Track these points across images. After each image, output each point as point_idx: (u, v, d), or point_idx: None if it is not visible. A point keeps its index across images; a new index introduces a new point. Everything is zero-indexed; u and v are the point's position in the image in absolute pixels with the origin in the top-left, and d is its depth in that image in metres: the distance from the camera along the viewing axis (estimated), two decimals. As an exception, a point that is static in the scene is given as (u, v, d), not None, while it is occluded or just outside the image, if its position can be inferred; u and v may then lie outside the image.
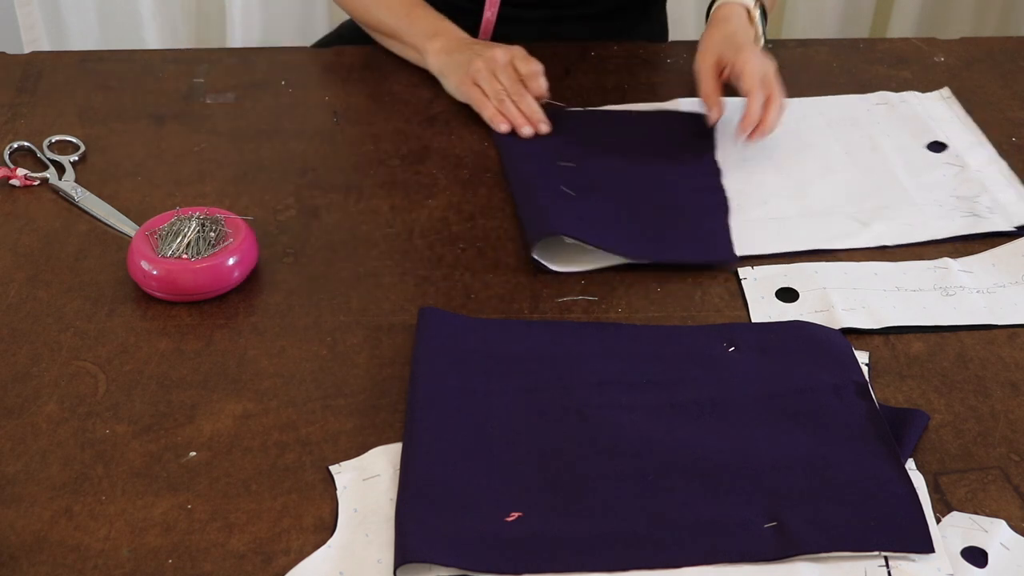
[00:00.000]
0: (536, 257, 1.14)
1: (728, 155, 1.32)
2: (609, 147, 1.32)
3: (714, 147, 1.33)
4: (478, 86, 1.35)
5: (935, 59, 1.52)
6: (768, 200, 1.25)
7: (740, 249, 1.17)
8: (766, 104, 1.27)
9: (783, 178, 1.28)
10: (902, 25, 2.53)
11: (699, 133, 1.34)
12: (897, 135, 1.36)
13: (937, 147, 1.34)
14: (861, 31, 2.58)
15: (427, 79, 1.46)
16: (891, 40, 1.59)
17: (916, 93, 1.44)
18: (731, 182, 1.27)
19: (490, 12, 1.56)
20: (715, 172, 1.28)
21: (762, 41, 1.38)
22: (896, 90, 1.45)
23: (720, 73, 1.32)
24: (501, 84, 1.34)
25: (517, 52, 1.36)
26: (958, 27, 2.51)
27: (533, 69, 1.34)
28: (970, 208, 1.23)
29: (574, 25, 1.58)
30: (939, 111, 1.40)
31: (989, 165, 1.30)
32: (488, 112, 1.34)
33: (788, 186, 1.27)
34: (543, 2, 1.57)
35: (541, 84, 1.34)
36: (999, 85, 1.47)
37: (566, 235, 1.14)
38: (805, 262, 1.16)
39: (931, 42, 1.56)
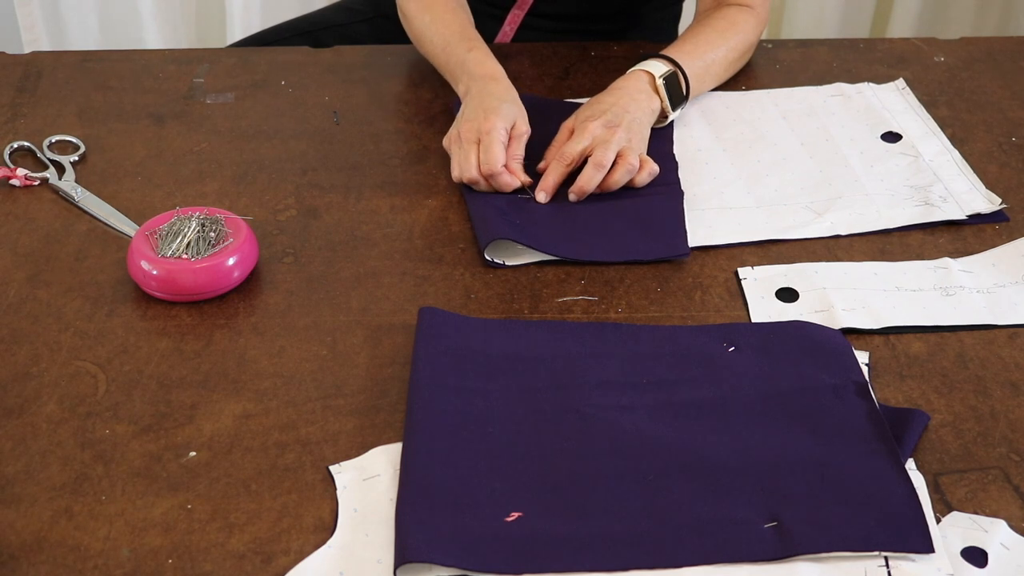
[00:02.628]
0: (488, 257, 1.15)
1: (684, 147, 1.32)
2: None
3: (671, 141, 1.33)
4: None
5: (935, 59, 1.52)
6: (723, 191, 1.26)
7: (694, 240, 1.18)
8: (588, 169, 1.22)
9: (738, 169, 1.29)
10: (902, 25, 2.53)
11: (658, 128, 1.34)
12: (852, 126, 1.37)
13: (891, 137, 1.35)
14: (861, 31, 2.58)
15: (427, 79, 1.46)
16: (891, 40, 1.59)
17: (871, 84, 1.45)
18: (686, 174, 1.28)
19: (509, 27, 1.57)
20: (672, 167, 1.28)
21: (671, 115, 1.33)
22: (896, 90, 1.45)
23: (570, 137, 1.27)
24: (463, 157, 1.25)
25: (491, 136, 1.23)
26: (958, 27, 2.51)
27: (489, 171, 1.22)
28: (923, 197, 1.24)
29: (589, 38, 1.58)
30: (894, 102, 1.41)
31: (942, 155, 1.31)
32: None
33: (743, 177, 1.28)
34: (562, 16, 1.58)
35: (502, 182, 1.23)
36: (999, 85, 1.47)
37: (513, 240, 1.16)
38: (805, 262, 1.16)
39: (931, 42, 1.56)
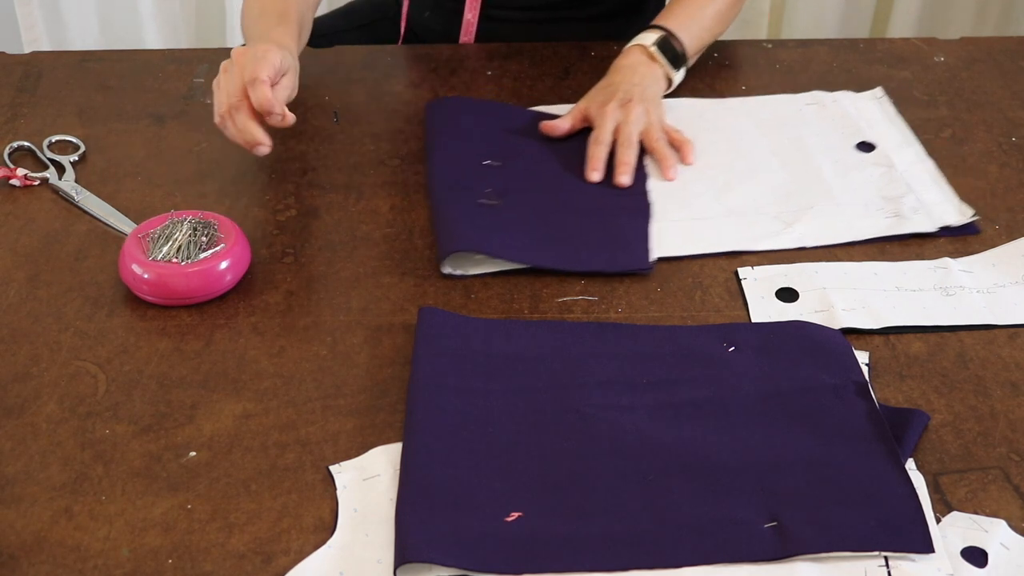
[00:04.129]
0: (447, 269, 1.13)
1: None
2: (539, 147, 1.31)
3: (643, 150, 1.31)
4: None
5: (935, 59, 1.52)
6: (692, 202, 1.24)
7: (661, 250, 1.16)
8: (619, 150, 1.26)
9: (709, 179, 1.27)
10: (902, 25, 2.53)
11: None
12: (826, 135, 1.35)
13: (866, 147, 1.33)
14: (861, 31, 2.58)
15: (427, 79, 1.46)
16: (891, 40, 1.59)
17: (849, 93, 1.43)
18: (656, 183, 1.26)
19: (471, 14, 1.56)
20: (642, 176, 1.27)
21: (675, 77, 1.37)
22: (896, 90, 1.45)
23: (583, 121, 1.31)
24: (225, 94, 1.18)
25: (248, 60, 1.16)
26: (958, 27, 2.51)
27: (252, 76, 1.14)
28: (895, 209, 1.22)
29: (563, 27, 1.58)
30: (870, 111, 1.39)
31: (916, 165, 1.29)
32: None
33: (713, 187, 1.26)
34: (528, 5, 1.57)
35: (259, 93, 1.14)
36: (999, 85, 1.47)
37: (474, 251, 1.13)
38: (805, 262, 1.16)
39: (931, 42, 1.56)
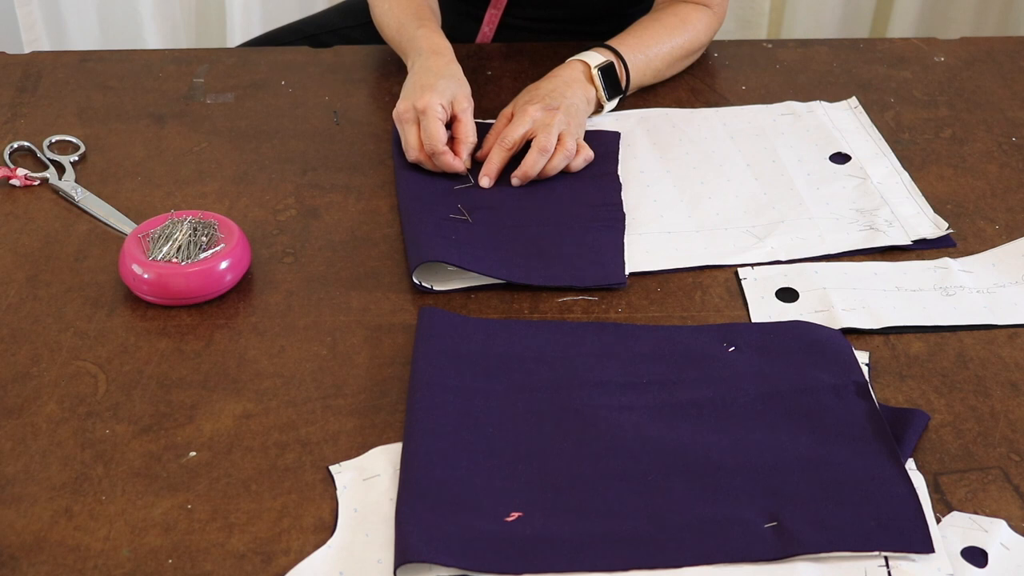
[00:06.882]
0: (416, 280, 1.12)
1: (627, 168, 1.30)
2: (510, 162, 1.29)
3: (616, 161, 1.30)
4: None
5: (935, 59, 1.52)
6: (664, 214, 1.23)
7: (632, 265, 1.15)
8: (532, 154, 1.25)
9: (681, 191, 1.26)
10: (902, 25, 2.53)
11: (603, 148, 1.31)
12: (800, 146, 1.33)
13: (840, 158, 1.31)
14: (861, 31, 2.58)
15: (427, 79, 1.46)
16: (891, 40, 1.59)
17: (823, 103, 1.41)
18: (629, 196, 1.25)
19: (488, 27, 1.56)
20: (616, 188, 1.26)
21: (606, 106, 1.36)
22: (896, 90, 1.45)
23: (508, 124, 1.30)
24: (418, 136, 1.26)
25: (418, 123, 1.26)
26: (958, 27, 2.51)
27: (431, 151, 1.24)
28: (868, 222, 1.20)
29: (579, 41, 1.58)
30: (845, 121, 1.37)
31: (891, 177, 1.28)
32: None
33: (686, 199, 1.25)
34: (541, 19, 1.57)
35: (444, 165, 1.25)
36: (999, 85, 1.47)
37: (446, 262, 1.12)
38: (805, 262, 1.16)
39: (931, 42, 1.56)
